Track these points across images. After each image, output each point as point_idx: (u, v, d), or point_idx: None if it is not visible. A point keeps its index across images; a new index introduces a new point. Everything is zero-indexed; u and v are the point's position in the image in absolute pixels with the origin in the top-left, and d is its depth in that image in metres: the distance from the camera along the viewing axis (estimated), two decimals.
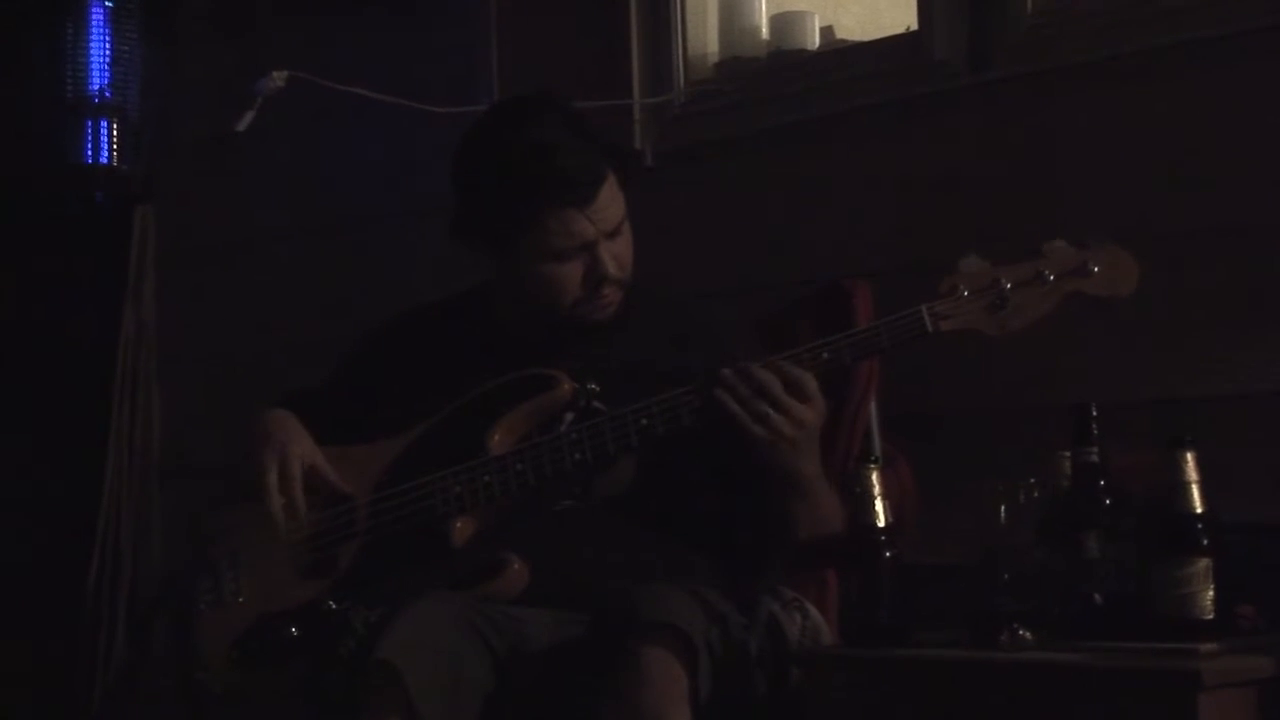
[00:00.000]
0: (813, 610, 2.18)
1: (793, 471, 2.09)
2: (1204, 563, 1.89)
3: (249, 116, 3.05)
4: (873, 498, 2.02)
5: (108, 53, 3.42)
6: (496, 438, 2.18)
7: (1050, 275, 2.02)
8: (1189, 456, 1.92)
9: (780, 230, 2.80)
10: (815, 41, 2.92)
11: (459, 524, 2.17)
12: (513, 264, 2.23)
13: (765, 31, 2.95)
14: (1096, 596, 1.96)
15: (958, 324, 2.04)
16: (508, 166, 2.18)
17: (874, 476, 2.03)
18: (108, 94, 3.42)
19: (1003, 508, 1.98)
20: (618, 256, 2.22)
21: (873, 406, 2.43)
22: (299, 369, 2.53)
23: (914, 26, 2.72)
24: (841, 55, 2.85)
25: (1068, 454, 2.03)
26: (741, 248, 2.84)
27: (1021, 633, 1.93)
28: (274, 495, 2.21)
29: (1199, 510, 1.90)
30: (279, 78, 3.04)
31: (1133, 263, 2.03)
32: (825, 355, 2.07)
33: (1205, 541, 1.90)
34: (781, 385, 2.05)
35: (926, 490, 2.38)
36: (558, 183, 2.16)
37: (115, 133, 3.43)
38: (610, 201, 2.20)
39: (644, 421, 2.10)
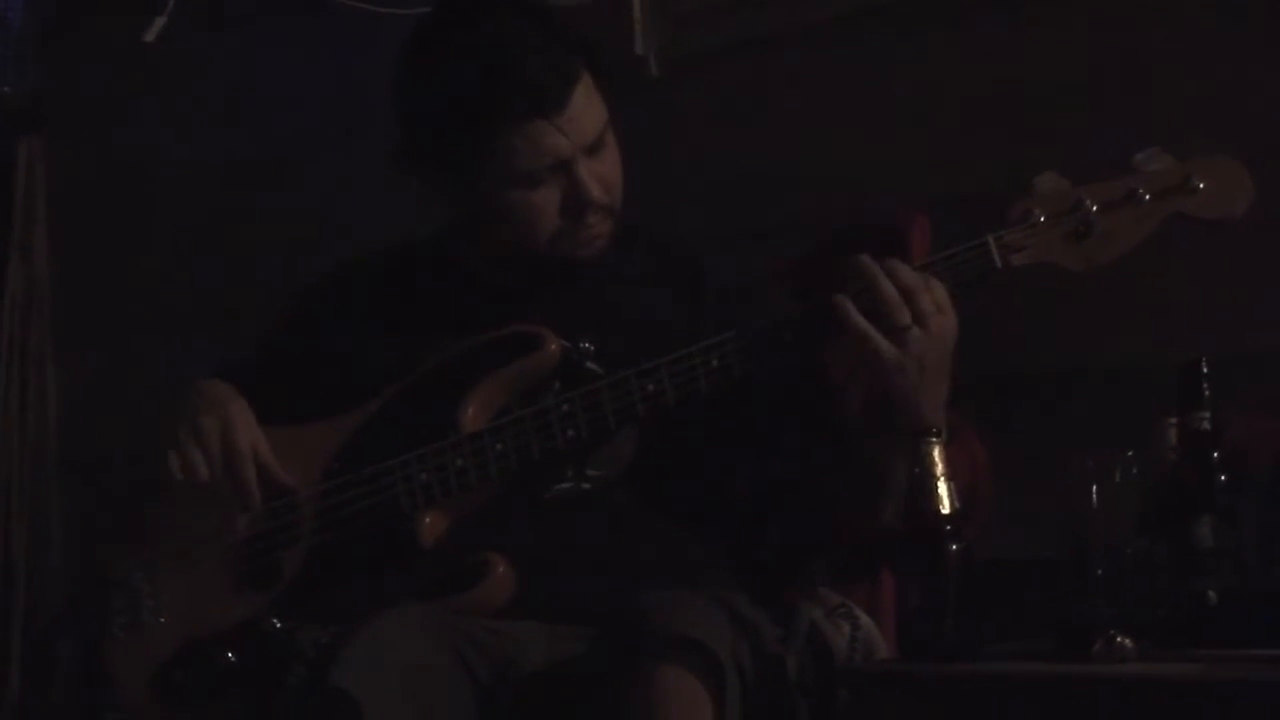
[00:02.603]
0: (864, 617, 2.19)
1: (912, 404, 2.05)
2: None
3: (160, 24, 3.05)
4: (935, 479, 2.02)
5: None
6: (470, 412, 2.19)
7: (1145, 194, 2.02)
8: None
9: (814, 153, 2.80)
10: None
11: (428, 519, 2.18)
12: (475, 195, 2.24)
13: None
14: (1211, 595, 1.96)
15: (1032, 256, 2.04)
16: (455, 75, 2.19)
17: (936, 453, 2.03)
18: None
19: (1095, 488, 1.98)
20: (602, 177, 2.22)
21: None
22: (228, 334, 2.54)
23: None
24: None
25: (1174, 420, 2.04)
26: (767, 175, 2.84)
27: (1120, 640, 1.93)
28: (220, 477, 2.22)
29: None
30: None
31: (1246, 176, 2.03)
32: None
33: None
34: (927, 293, 2.03)
35: (1001, 469, 2.39)
36: (518, 89, 2.16)
37: None
38: (586, 108, 2.20)
39: (651, 387, 2.10)
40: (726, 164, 2.89)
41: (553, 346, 2.18)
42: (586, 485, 2.21)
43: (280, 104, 3.40)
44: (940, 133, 2.70)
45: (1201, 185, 2.02)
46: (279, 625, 2.19)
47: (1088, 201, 2.03)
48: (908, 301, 2.03)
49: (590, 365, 2.19)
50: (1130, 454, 1.99)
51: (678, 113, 2.88)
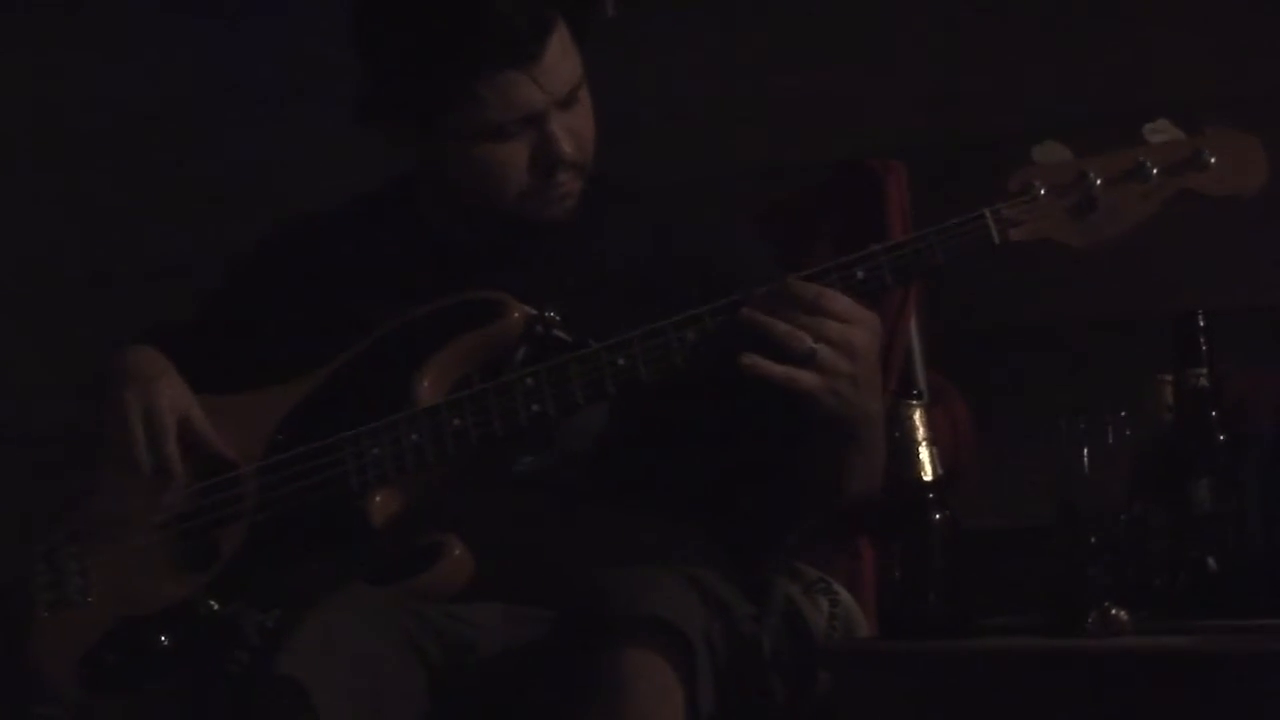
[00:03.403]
0: (843, 593, 2.20)
1: (858, 415, 2.08)
2: None
3: None
4: (916, 444, 2.03)
5: None
6: (426, 383, 2.18)
7: (1153, 168, 2.03)
8: None
9: (786, 96, 2.79)
10: None
11: (379, 497, 2.17)
12: (439, 148, 2.24)
13: None
14: (1211, 562, 1.98)
15: (1032, 231, 2.05)
16: (423, 20, 2.18)
17: (917, 416, 2.04)
18: None
19: (1087, 451, 1.99)
20: (575, 132, 2.22)
21: (913, 325, 2.45)
22: (159, 296, 2.53)
23: None
24: None
25: (1170, 378, 2.05)
26: (736, 120, 2.84)
27: (1115, 613, 1.94)
28: (142, 453, 2.22)
29: None
30: None
31: (1260, 151, 2.04)
32: (860, 274, 2.07)
33: None
34: (807, 311, 2.04)
35: (986, 432, 2.40)
36: (489, 37, 2.15)
37: None
38: (561, 59, 2.20)
39: (622, 361, 2.11)
40: (692, 108, 2.88)
41: (516, 314, 2.18)
42: (552, 460, 2.21)
43: (216, 43, 3.37)
44: (919, 72, 2.69)
45: (1213, 160, 2.02)
46: (218, 608, 2.19)
47: (1091, 174, 2.03)
48: (803, 327, 2.04)
49: (557, 333, 2.19)
50: (1124, 414, 1.99)
51: (637, 54, 2.87)
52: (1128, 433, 1.99)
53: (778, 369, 2.04)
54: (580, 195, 2.26)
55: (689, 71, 2.89)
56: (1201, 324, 2.03)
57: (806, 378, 2.04)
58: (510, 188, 2.22)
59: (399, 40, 2.21)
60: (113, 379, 2.27)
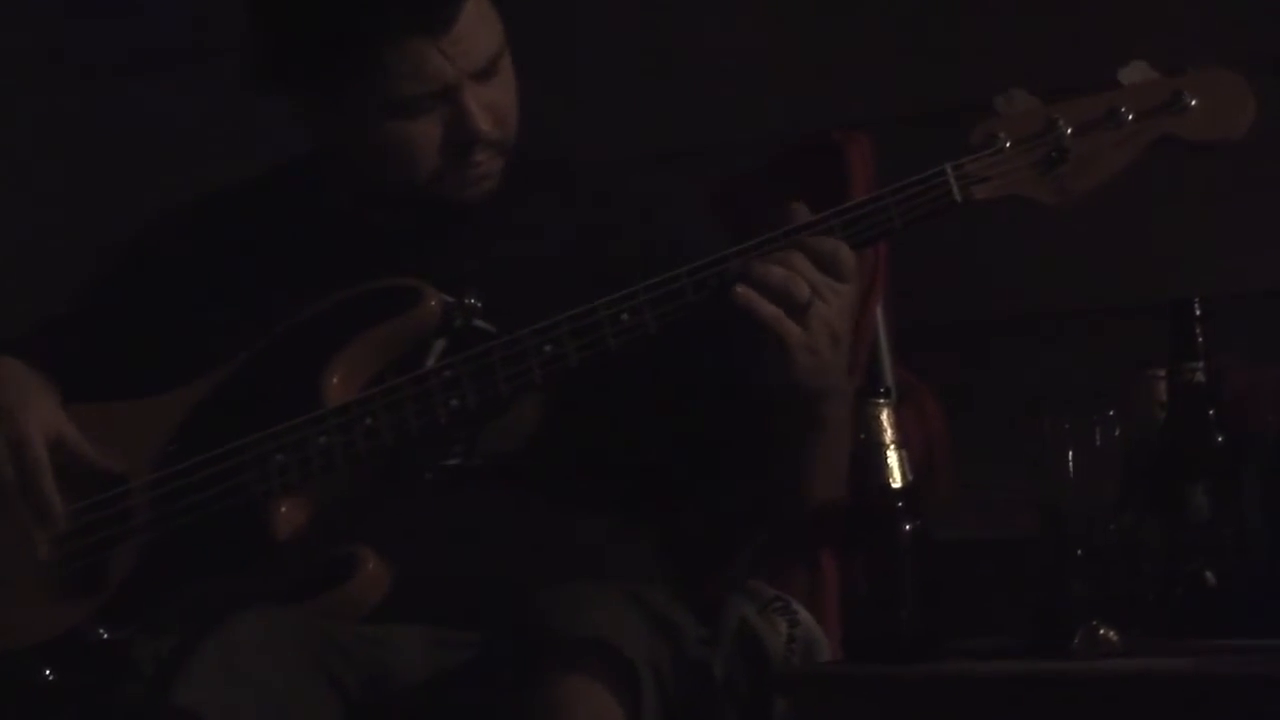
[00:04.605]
0: (802, 613, 2.20)
1: (829, 383, 2.08)
2: None
3: None
4: (884, 447, 2.03)
5: None
6: (336, 381, 2.18)
7: (1128, 114, 2.03)
8: None
9: (738, 63, 2.80)
10: None
11: (284, 507, 2.17)
12: (344, 124, 2.23)
13: None
14: (1208, 575, 1.98)
15: (998, 188, 2.05)
16: None
17: (884, 416, 2.04)
18: None
19: (1072, 454, 1.99)
20: (494, 106, 2.22)
21: (879, 315, 2.44)
22: (34, 290, 2.51)
23: None
24: None
25: (1162, 373, 2.05)
26: (682, 90, 2.84)
27: (1103, 632, 1.95)
28: (14, 494, 2.20)
29: None
30: None
31: (1245, 90, 2.03)
32: None
33: None
34: (812, 263, 2.05)
35: (961, 433, 2.40)
36: (397, 2, 2.15)
37: None
38: (478, 27, 2.20)
39: (548, 348, 2.10)
40: (634, 77, 2.88)
41: (432, 302, 2.17)
42: (478, 462, 2.21)
43: (103, 9, 3.36)
44: (886, 40, 2.70)
45: (1194, 102, 2.02)
46: (108, 636, 2.18)
47: (1061, 122, 2.03)
48: (804, 281, 2.04)
49: (479, 324, 2.19)
50: (1112, 413, 1.99)
51: (579, 18, 2.86)
52: (1117, 433, 1.99)
53: (768, 307, 2.04)
54: (502, 176, 2.26)
55: (628, 35, 2.89)
56: (1198, 313, 2.03)
57: (792, 327, 2.04)
58: (423, 168, 2.22)
59: (296, 4, 2.20)
60: None
